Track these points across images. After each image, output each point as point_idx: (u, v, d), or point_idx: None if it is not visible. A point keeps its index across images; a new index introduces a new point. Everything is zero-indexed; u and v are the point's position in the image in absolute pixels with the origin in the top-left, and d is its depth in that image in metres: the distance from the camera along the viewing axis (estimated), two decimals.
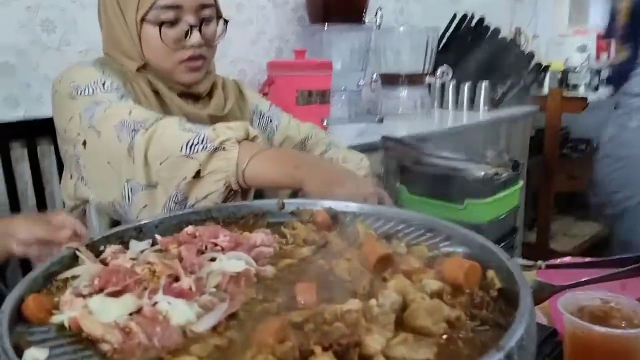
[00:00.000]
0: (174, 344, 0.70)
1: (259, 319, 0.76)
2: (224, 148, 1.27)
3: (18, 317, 0.73)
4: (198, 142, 1.26)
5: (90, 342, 0.69)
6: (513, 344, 0.61)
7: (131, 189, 1.30)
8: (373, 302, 0.76)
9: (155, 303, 0.75)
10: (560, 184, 4.26)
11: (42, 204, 2.18)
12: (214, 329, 0.74)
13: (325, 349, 0.65)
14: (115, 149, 1.31)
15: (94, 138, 1.35)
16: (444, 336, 0.70)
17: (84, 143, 1.38)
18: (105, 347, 0.68)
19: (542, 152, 4.13)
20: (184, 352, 0.69)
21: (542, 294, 1.19)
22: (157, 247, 0.98)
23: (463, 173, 1.46)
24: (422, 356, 0.64)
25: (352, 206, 1.15)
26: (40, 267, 0.84)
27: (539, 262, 1.32)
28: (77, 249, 0.92)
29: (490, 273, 0.85)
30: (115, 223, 1.49)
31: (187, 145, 1.25)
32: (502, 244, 1.52)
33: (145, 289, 0.81)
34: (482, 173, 1.44)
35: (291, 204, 1.18)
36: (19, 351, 0.64)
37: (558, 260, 1.31)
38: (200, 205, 1.17)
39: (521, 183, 1.51)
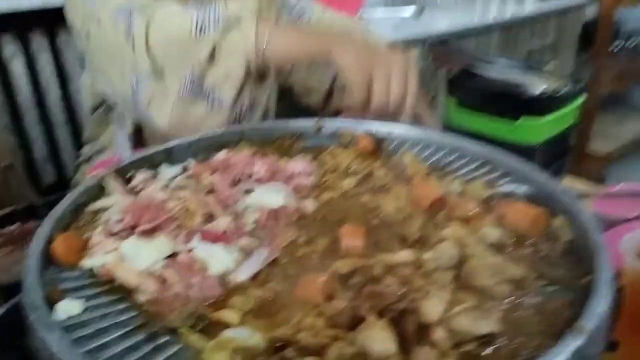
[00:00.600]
0: (214, 295, 0.65)
1: (302, 267, 0.71)
2: (239, 23, 1.12)
3: (48, 260, 0.68)
4: (209, 21, 1.10)
5: (126, 291, 0.65)
6: (594, 325, 0.54)
7: (137, 80, 1.16)
8: (428, 255, 0.69)
9: (191, 249, 0.69)
10: (607, 82, 4.00)
11: (66, 101, 2.11)
12: (255, 277, 0.69)
13: (378, 315, 0.59)
14: (114, 36, 1.16)
15: (95, 28, 1.21)
16: (508, 299, 0.63)
17: (88, 34, 1.25)
18: (141, 297, 0.64)
19: (591, 48, 3.84)
20: (224, 305, 0.64)
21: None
22: (188, 173, 0.91)
23: (519, 88, 1.32)
24: (486, 328, 0.57)
25: (397, 131, 1.04)
26: (65, 200, 0.78)
27: (595, 189, 1.23)
28: (104, 176, 0.85)
29: (558, 220, 0.76)
30: (139, 128, 1.40)
31: (196, 26, 1.10)
32: (554, 164, 1.42)
33: (180, 226, 0.75)
34: (541, 88, 1.30)
35: (330, 125, 1.08)
36: (52, 302, 0.60)
37: (617, 188, 1.21)
38: (234, 126, 1.08)
39: (582, 98, 1.37)
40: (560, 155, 1.43)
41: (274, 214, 0.82)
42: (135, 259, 0.67)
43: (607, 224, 1.10)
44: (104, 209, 0.81)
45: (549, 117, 1.30)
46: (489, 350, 0.56)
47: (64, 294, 0.62)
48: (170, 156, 0.97)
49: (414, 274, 0.66)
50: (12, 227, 1.26)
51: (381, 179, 0.91)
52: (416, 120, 1.12)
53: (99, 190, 0.84)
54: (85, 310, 0.60)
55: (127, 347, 0.55)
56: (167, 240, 0.71)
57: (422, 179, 0.86)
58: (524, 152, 1.30)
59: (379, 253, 0.72)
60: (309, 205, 0.85)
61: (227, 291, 0.66)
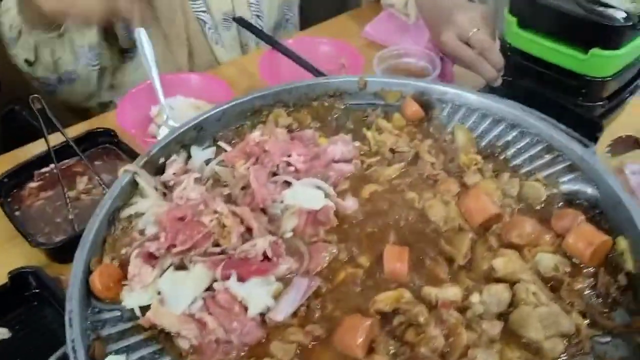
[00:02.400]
0: (254, 339, 0.65)
1: (344, 301, 0.69)
2: None
3: (88, 290, 0.68)
4: None
5: (166, 337, 0.65)
6: None
7: None
8: (476, 298, 0.65)
9: (229, 287, 0.67)
10: None
11: None
12: (295, 314, 0.67)
13: None
14: None
15: None
16: (560, 357, 0.61)
17: None
18: (183, 344, 0.64)
19: None
20: (266, 351, 0.64)
21: None
22: (221, 159, 0.86)
23: (595, 14, 1.12)
24: None
25: (452, 92, 0.93)
26: (101, 208, 0.76)
27: None
28: (135, 173, 0.81)
29: (622, 243, 0.70)
30: None
31: None
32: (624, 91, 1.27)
33: (217, 244, 0.73)
34: (623, 16, 1.11)
35: (375, 82, 0.97)
36: (95, 357, 0.61)
37: None
38: (267, 88, 0.98)
39: None
40: (631, 82, 1.27)
41: (313, 218, 0.78)
42: (174, 298, 0.66)
43: None
44: (138, 214, 0.79)
45: (625, 49, 1.13)
46: None
47: (106, 345, 0.63)
48: (201, 132, 0.91)
49: (459, 323, 0.63)
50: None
51: (429, 168, 0.83)
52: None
53: (132, 187, 0.81)
54: None
55: None
56: (204, 271, 0.69)
57: (475, 188, 0.77)
58: (592, 84, 1.18)
59: (424, 281, 0.69)
60: (351, 204, 0.80)
61: (268, 331, 0.66)
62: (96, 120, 1.50)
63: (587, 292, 0.67)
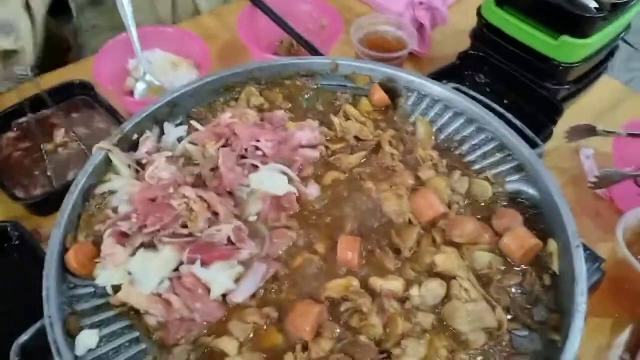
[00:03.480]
0: (215, 318, 0.72)
1: (298, 286, 0.76)
2: None
3: (64, 267, 0.74)
4: None
5: (135, 314, 0.72)
6: None
7: None
8: (414, 292, 0.73)
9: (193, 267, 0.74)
10: None
11: None
12: (253, 296, 0.75)
13: None
14: None
15: None
16: (480, 347, 0.70)
17: None
18: (150, 320, 0.72)
19: None
20: (224, 328, 0.72)
21: (606, 181, 1.10)
22: (193, 138, 0.90)
23: (569, 2, 1.13)
24: None
25: (418, 82, 0.97)
26: (76, 184, 0.81)
27: (620, 131, 1.17)
28: (109, 150, 0.85)
29: (552, 245, 0.78)
30: None
31: None
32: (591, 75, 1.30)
33: (185, 226, 0.79)
34: (595, 5, 1.12)
35: (346, 65, 1.00)
36: (70, 332, 0.68)
37: None
38: (240, 66, 0.99)
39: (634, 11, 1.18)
40: (596, 67, 1.30)
41: (277, 203, 0.84)
42: (144, 278, 0.73)
43: (615, 180, 1.09)
44: (111, 192, 0.84)
45: (594, 38, 1.15)
46: None
47: (81, 319, 0.70)
48: (175, 108, 0.94)
49: (398, 313, 0.71)
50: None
51: (389, 158, 0.89)
52: None
53: (106, 165, 0.85)
54: (101, 341, 0.68)
55: None
56: (171, 254, 0.75)
57: (425, 187, 0.83)
58: (559, 68, 1.22)
59: (372, 271, 0.77)
60: (313, 191, 0.86)
61: (228, 311, 0.73)
62: (73, 67, 1.51)
63: (514, 289, 0.75)
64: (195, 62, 1.42)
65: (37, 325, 0.69)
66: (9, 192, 1.15)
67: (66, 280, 0.74)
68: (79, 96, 1.37)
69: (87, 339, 0.68)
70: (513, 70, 1.30)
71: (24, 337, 0.69)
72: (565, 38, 1.16)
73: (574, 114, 1.29)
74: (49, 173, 1.21)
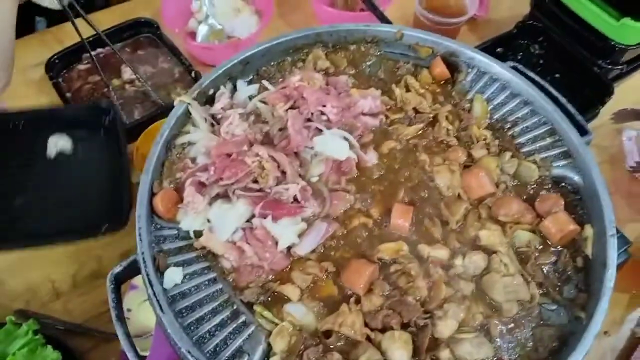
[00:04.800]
0: (280, 267, 0.83)
1: (354, 246, 0.85)
2: None
3: (152, 209, 0.84)
4: None
5: (213, 257, 0.83)
6: None
7: None
8: (459, 261, 0.82)
9: (265, 221, 0.83)
10: None
11: None
12: (313, 251, 0.84)
13: (403, 327, 0.77)
14: None
15: None
16: (513, 317, 0.79)
17: None
18: (225, 264, 0.82)
19: None
20: (288, 277, 0.82)
21: None
22: (263, 97, 0.97)
23: None
24: (483, 356, 0.75)
25: (477, 59, 1.01)
26: (161, 136, 0.89)
27: None
28: (189, 104, 0.93)
29: (588, 231, 0.85)
30: None
31: None
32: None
33: (255, 181, 0.88)
34: None
35: (411, 35, 1.04)
36: (159, 268, 0.79)
37: None
38: (310, 29, 1.04)
39: None
40: None
41: (337, 167, 0.91)
42: (221, 227, 0.82)
43: None
44: (190, 143, 0.92)
45: None
46: None
47: (168, 257, 0.80)
48: (247, 66, 1.00)
49: (442, 279, 0.80)
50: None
51: (444, 133, 0.95)
52: None
53: (186, 118, 0.93)
54: (184, 278, 0.79)
55: (216, 325, 0.76)
56: (245, 207, 0.84)
57: (477, 166, 0.90)
58: (615, 49, 1.24)
59: (421, 238, 0.85)
60: (371, 157, 0.93)
61: (292, 262, 0.83)
62: (139, 2, 1.55)
63: (548, 267, 0.83)
64: (257, 8, 1.45)
65: (130, 259, 0.80)
66: None
67: (154, 221, 0.84)
68: (145, 34, 1.44)
69: (174, 274, 0.79)
70: (569, 45, 1.31)
71: (117, 269, 0.80)
72: (627, 20, 1.17)
73: (619, 95, 1.32)
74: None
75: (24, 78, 1.35)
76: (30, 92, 1.34)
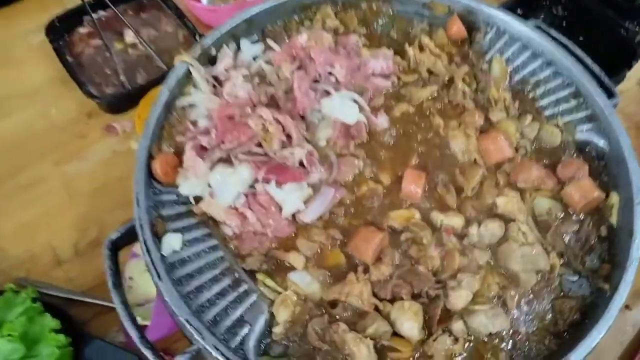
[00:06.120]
0: (285, 234, 0.79)
1: (362, 213, 0.80)
2: None
3: (150, 174, 0.80)
4: None
5: (214, 224, 0.79)
6: (582, 357, 0.67)
7: None
8: (474, 230, 0.77)
9: (268, 186, 0.78)
10: None
11: None
12: (320, 217, 0.80)
13: (413, 297, 0.73)
14: None
15: None
16: (531, 288, 0.74)
17: None
18: (226, 230, 0.78)
19: None
20: (293, 244, 0.78)
21: None
22: (269, 58, 0.92)
23: None
24: (498, 328, 0.71)
25: (497, 17, 0.94)
26: (160, 98, 0.84)
27: None
28: (191, 64, 0.88)
29: (614, 199, 0.79)
30: None
31: None
32: None
33: (259, 145, 0.83)
34: None
35: None
36: (157, 233, 0.75)
37: None
38: None
39: None
40: None
41: (346, 131, 0.87)
42: (222, 192, 0.78)
43: None
44: (192, 105, 0.87)
45: None
46: (495, 343, 0.71)
47: (166, 223, 0.77)
48: (252, 25, 0.95)
49: (455, 248, 0.76)
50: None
51: (460, 96, 0.89)
52: None
53: (187, 79, 0.88)
54: (184, 245, 0.75)
55: (216, 293, 0.72)
56: (248, 171, 0.80)
57: (496, 129, 0.84)
58: None
59: (434, 205, 0.81)
60: (382, 121, 0.88)
61: (297, 229, 0.79)
62: None
63: (569, 236, 0.78)
64: None
65: (128, 225, 0.77)
66: (84, 88, 1.20)
67: (152, 186, 0.80)
68: None
69: (172, 241, 0.75)
70: (594, 6, 1.24)
71: (115, 235, 0.77)
72: None
73: None
74: (119, 73, 1.25)
75: (23, 43, 1.31)
76: (30, 58, 1.30)
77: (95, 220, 1.09)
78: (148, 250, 0.73)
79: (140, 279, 0.99)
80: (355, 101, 0.88)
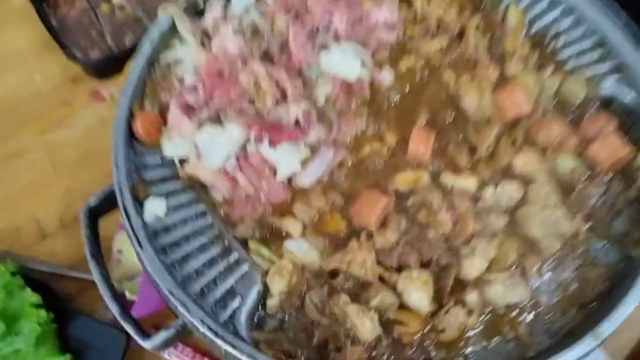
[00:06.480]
0: (280, 199, 0.71)
1: (364, 175, 0.73)
2: None
3: (132, 133, 0.73)
4: None
5: (202, 187, 0.72)
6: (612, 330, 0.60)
7: None
8: (489, 192, 0.70)
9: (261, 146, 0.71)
10: None
11: None
12: (318, 180, 0.73)
13: (423, 265, 0.66)
14: None
15: None
16: (553, 256, 0.67)
17: None
18: (216, 195, 0.71)
19: None
20: (289, 210, 0.71)
21: None
22: (261, 10, 0.84)
23: None
24: (517, 299, 0.64)
25: None
26: (141, 51, 0.77)
27: None
28: (176, 16, 0.80)
29: None
30: None
31: None
32: None
33: (251, 102, 0.76)
34: None
35: None
36: (138, 198, 0.69)
37: None
38: None
39: None
40: None
41: (347, 88, 0.79)
42: (210, 153, 0.71)
43: None
44: (177, 61, 0.80)
45: None
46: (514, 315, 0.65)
47: (148, 188, 0.70)
48: None
49: (469, 213, 0.68)
50: None
51: (472, 49, 0.81)
52: None
53: (172, 32, 0.81)
54: (168, 211, 0.68)
55: (204, 263, 0.66)
56: (238, 130, 0.72)
57: (513, 82, 0.76)
58: None
59: (444, 166, 0.73)
60: (387, 76, 0.80)
61: (293, 193, 0.72)
62: None
63: (596, 198, 0.70)
64: None
65: (107, 190, 0.70)
66: (68, 52, 1.12)
67: (133, 147, 0.73)
68: None
69: (155, 206, 0.68)
70: None
71: (92, 201, 0.70)
72: None
73: None
74: (106, 35, 1.17)
75: (4, 5, 1.23)
76: (12, 21, 1.22)
77: (82, 191, 1.01)
78: (128, 216, 0.66)
79: (130, 251, 0.93)
80: (357, 55, 0.80)
